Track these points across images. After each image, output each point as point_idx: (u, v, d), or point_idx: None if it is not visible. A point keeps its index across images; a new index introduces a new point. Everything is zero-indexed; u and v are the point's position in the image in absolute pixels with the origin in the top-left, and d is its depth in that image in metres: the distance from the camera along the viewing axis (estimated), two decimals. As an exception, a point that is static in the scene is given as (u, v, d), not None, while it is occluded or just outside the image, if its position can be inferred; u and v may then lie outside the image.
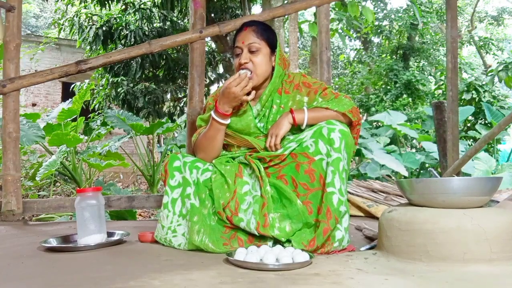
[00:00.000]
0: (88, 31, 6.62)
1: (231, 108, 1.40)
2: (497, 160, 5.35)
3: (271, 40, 1.46)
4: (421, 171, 4.87)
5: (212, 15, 7.07)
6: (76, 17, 6.91)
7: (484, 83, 7.18)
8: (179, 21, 7.31)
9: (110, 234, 1.51)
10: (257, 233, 1.32)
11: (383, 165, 4.21)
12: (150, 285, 0.95)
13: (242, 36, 1.44)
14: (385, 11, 10.76)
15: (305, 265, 1.13)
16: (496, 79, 7.27)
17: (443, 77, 8.71)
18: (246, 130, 1.48)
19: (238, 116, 1.48)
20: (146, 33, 6.64)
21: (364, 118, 9.95)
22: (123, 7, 7.30)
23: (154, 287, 0.94)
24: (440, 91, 8.80)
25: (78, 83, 7.10)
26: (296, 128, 1.43)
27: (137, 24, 6.65)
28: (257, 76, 1.43)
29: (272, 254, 1.14)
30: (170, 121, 5.57)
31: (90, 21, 6.94)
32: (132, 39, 6.41)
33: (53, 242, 1.41)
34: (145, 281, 0.98)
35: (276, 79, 1.47)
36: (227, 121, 1.42)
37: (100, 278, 1.04)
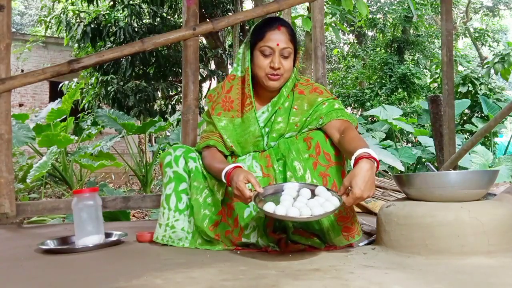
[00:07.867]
0: (76, 29, 6.50)
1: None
2: (494, 154, 5.35)
3: (296, 44, 1.39)
4: (418, 166, 4.88)
5: (203, 10, 7.01)
6: (63, 14, 6.79)
7: (480, 75, 7.09)
8: (169, 17, 7.23)
9: (107, 235, 1.50)
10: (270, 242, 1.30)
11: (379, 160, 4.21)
12: (152, 284, 0.95)
13: (276, 37, 1.33)
14: (378, 4, 10.69)
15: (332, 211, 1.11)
16: (492, 71, 7.20)
17: (438, 70, 8.57)
18: (250, 140, 1.40)
19: (243, 127, 1.40)
20: (136, 29, 6.56)
21: (359, 113, 9.90)
22: (111, 3, 7.19)
23: (157, 286, 0.94)
24: (435, 85, 8.70)
25: (66, 82, 6.99)
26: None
27: (126, 21, 6.55)
28: (284, 80, 1.37)
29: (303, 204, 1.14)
30: (162, 119, 5.52)
31: (78, 18, 6.81)
32: (122, 36, 6.32)
33: (51, 244, 1.40)
34: (147, 279, 0.98)
35: (292, 82, 1.41)
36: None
37: (101, 278, 1.04)
